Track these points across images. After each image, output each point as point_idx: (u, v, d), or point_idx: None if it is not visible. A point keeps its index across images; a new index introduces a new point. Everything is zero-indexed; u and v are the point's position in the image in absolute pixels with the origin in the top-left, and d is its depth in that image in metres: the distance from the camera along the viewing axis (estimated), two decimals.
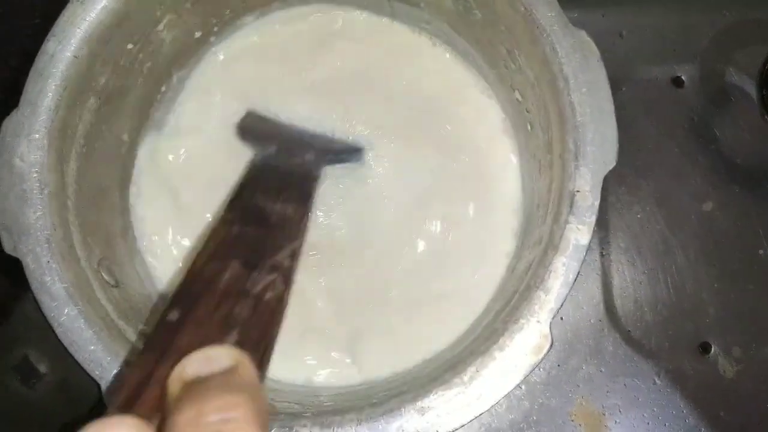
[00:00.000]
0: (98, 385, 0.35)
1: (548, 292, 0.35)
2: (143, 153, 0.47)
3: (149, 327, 0.40)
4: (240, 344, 0.26)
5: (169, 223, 0.47)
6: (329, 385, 0.44)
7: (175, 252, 0.46)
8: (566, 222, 0.36)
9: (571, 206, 0.36)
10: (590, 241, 0.36)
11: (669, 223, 0.52)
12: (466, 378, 0.34)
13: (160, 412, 0.23)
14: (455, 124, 0.48)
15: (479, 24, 0.44)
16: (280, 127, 0.47)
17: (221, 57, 0.50)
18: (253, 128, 0.47)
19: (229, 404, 0.21)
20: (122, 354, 0.36)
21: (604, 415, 0.49)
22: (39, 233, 0.36)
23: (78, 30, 0.39)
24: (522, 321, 0.35)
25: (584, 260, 0.36)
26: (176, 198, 0.47)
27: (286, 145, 0.44)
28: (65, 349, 0.36)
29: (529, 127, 0.44)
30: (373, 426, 0.34)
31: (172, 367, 0.23)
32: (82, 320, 0.36)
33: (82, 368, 0.35)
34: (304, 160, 0.43)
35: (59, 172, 0.38)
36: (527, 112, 0.44)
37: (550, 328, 0.35)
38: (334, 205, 0.47)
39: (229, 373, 0.23)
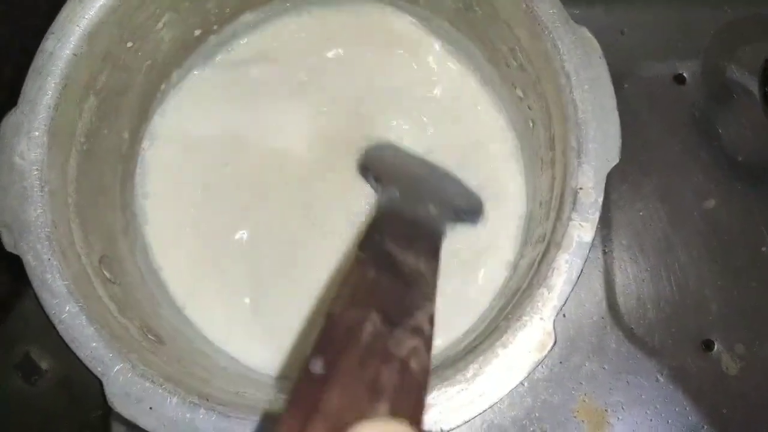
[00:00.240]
0: (100, 383, 0.35)
1: (551, 290, 0.35)
2: (146, 147, 0.47)
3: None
4: (392, 415, 0.24)
5: (174, 223, 0.47)
6: None
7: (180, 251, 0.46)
8: (569, 219, 0.36)
9: (574, 203, 0.36)
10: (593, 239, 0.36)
11: (671, 220, 0.52)
12: (468, 375, 0.34)
13: None
14: (455, 122, 0.48)
15: (480, 21, 0.44)
16: (398, 167, 0.45)
17: (219, 57, 0.49)
18: (373, 166, 0.45)
19: None
20: (124, 351, 0.36)
21: (606, 412, 0.49)
22: (40, 231, 0.36)
23: (77, 28, 0.39)
24: (525, 318, 0.35)
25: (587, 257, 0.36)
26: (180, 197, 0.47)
27: (410, 191, 0.41)
28: (67, 346, 0.35)
29: (530, 125, 0.44)
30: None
31: (324, 428, 0.22)
32: (84, 317, 0.36)
33: (83, 365, 0.35)
34: (428, 212, 0.39)
35: (59, 169, 0.38)
36: (529, 109, 0.43)
37: (554, 325, 0.35)
38: None
39: None
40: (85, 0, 0.39)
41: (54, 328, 0.36)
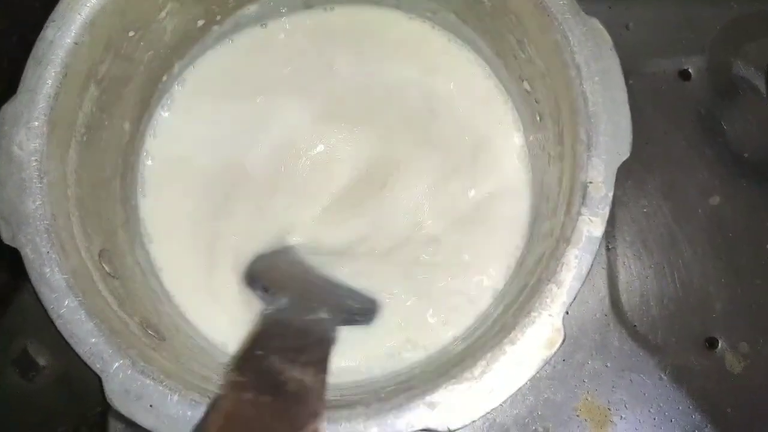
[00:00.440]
0: (99, 379, 0.35)
1: (560, 285, 0.35)
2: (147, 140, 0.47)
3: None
4: None
5: (174, 219, 0.46)
6: (332, 380, 0.43)
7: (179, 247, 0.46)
8: (579, 214, 0.35)
9: (583, 198, 0.35)
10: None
11: (676, 216, 0.51)
12: (476, 372, 0.34)
13: None
14: (461, 116, 0.47)
15: (488, 13, 0.43)
16: (290, 275, 0.44)
17: (221, 49, 0.49)
18: (261, 275, 0.44)
19: None
20: (124, 347, 0.35)
21: (609, 410, 0.48)
22: (38, 223, 0.36)
23: (78, 16, 0.38)
24: (534, 314, 0.34)
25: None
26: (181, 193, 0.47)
27: (300, 298, 0.40)
28: (65, 341, 0.35)
29: (538, 118, 0.43)
30: (382, 421, 0.33)
31: None
32: (83, 312, 0.35)
33: (82, 361, 0.35)
34: (319, 318, 0.39)
35: (59, 160, 0.38)
36: (536, 102, 0.43)
37: (563, 321, 0.34)
38: None
39: None
40: None
41: (52, 323, 0.35)
